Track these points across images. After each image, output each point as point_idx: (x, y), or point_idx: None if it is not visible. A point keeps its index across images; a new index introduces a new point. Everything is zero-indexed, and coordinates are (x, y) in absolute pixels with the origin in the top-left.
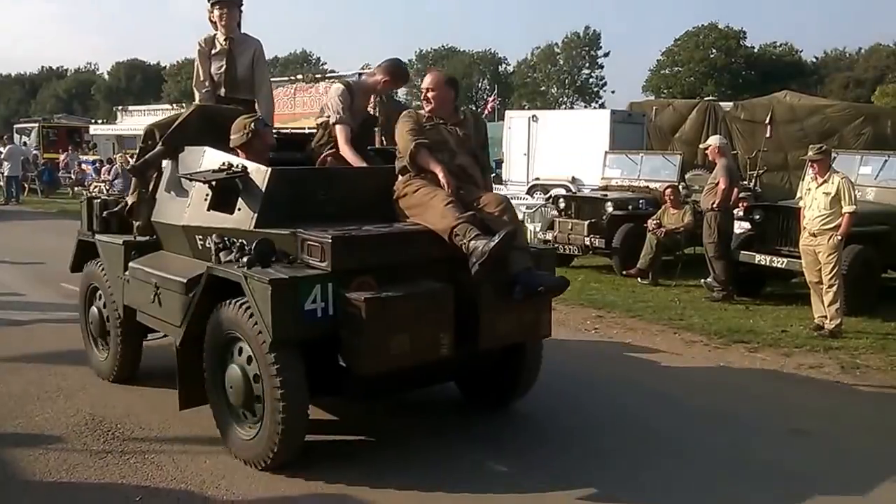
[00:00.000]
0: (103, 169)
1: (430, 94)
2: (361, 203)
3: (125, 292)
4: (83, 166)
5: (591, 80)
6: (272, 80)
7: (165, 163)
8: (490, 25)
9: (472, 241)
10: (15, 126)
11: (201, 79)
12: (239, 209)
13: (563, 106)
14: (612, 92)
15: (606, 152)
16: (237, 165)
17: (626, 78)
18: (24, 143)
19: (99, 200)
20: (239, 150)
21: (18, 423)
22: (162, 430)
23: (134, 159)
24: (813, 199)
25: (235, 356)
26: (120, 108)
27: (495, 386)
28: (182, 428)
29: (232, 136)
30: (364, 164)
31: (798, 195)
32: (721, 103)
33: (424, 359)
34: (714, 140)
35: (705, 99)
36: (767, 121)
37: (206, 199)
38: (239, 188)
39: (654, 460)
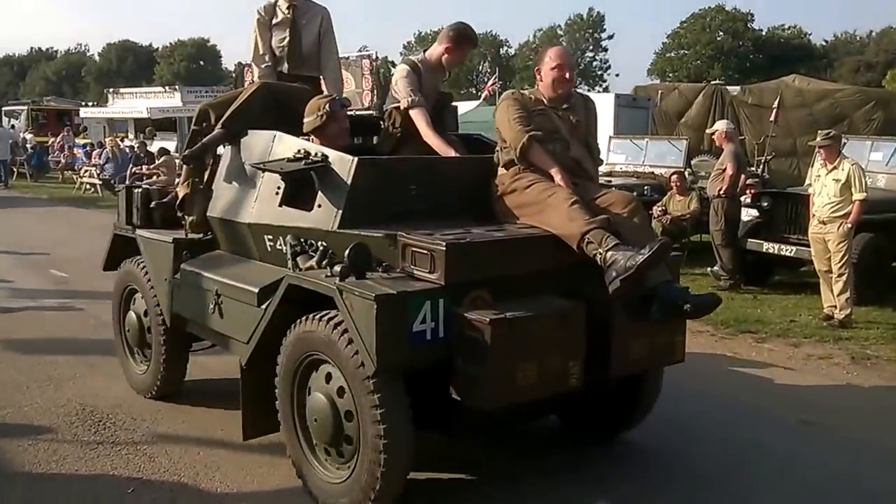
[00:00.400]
0: (94, 153)
1: (554, 73)
2: (454, 199)
3: (174, 298)
4: (74, 150)
5: (594, 63)
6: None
7: (222, 149)
8: (491, 7)
9: (611, 252)
10: (3, 109)
11: (260, 52)
12: (319, 206)
13: None
14: (617, 75)
15: (611, 137)
16: (316, 153)
17: (631, 61)
18: (13, 126)
19: (140, 190)
20: (312, 136)
21: (6, 413)
22: (154, 421)
23: (185, 143)
24: (822, 186)
25: (320, 383)
26: (111, 90)
27: (605, 416)
28: (175, 419)
29: (305, 120)
30: (453, 153)
31: (807, 182)
32: (728, 87)
33: (552, 391)
34: (721, 125)
35: (712, 83)
36: (774, 105)
37: (277, 193)
38: (317, 181)
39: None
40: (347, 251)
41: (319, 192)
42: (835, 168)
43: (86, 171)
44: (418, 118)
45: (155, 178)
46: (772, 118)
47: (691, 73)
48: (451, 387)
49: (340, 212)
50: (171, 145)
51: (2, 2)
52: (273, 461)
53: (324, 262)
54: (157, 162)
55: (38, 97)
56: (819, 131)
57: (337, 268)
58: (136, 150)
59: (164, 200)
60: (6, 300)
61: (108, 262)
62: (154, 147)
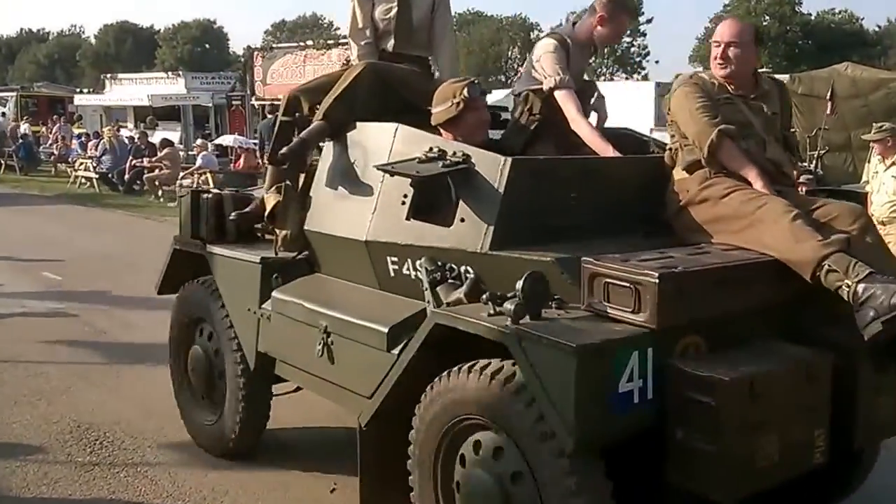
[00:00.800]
0: (90, 144)
1: (729, 52)
2: (620, 209)
3: (261, 334)
4: (70, 142)
5: (632, 49)
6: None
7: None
8: None
9: (864, 284)
10: None
11: (359, 26)
12: (461, 220)
13: (603, 78)
14: (657, 62)
15: (651, 129)
16: (454, 152)
17: (672, 47)
18: (3, 115)
19: (211, 196)
20: (442, 129)
21: None
22: (157, 440)
23: (271, 140)
24: (881, 184)
25: (481, 457)
26: (108, 75)
27: (816, 484)
28: (180, 437)
29: (435, 109)
30: (612, 151)
31: (864, 179)
32: (776, 76)
33: (795, 471)
34: None
35: (759, 71)
36: (828, 96)
37: (403, 203)
38: (456, 187)
39: None
40: (522, 283)
41: (461, 202)
42: (893, 164)
43: (81, 163)
44: (567, 103)
45: (157, 171)
46: (828, 111)
47: None
48: (666, 467)
49: (491, 228)
50: (174, 136)
51: None
52: (286, 485)
53: (484, 297)
54: (159, 154)
55: (28, 83)
56: (874, 124)
57: (508, 305)
58: (136, 141)
59: (247, 210)
60: None
61: (164, 283)
62: (156, 138)
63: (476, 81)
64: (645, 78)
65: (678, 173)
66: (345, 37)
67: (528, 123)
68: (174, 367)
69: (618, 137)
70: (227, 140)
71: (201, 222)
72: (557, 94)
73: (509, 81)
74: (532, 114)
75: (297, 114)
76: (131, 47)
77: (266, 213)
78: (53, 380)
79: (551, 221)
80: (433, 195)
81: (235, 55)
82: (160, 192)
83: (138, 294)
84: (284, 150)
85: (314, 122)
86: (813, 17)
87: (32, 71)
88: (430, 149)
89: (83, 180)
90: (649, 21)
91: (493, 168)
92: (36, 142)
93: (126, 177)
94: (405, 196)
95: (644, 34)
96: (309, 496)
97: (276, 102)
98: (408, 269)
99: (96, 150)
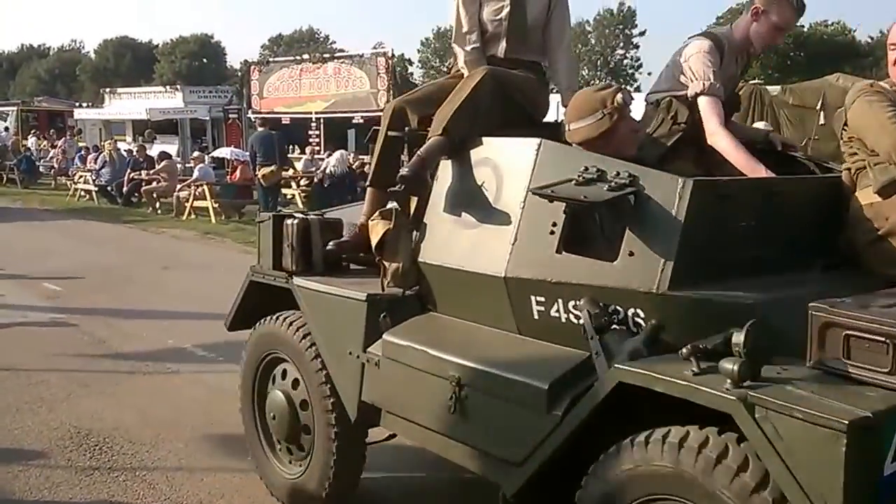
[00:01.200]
0: (89, 157)
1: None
2: (794, 238)
3: (367, 381)
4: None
5: (625, 61)
6: (275, 59)
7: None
8: None
9: None
10: None
11: (465, 29)
12: (630, 253)
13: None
14: (649, 74)
15: None
16: (619, 172)
17: (665, 59)
18: (6, 129)
19: (297, 221)
20: (585, 144)
21: None
22: (155, 445)
23: (374, 160)
24: None
25: None
26: (107, 90)
27: None
28: (177, 443)
29: (580, 123)
30: (763, 172)
31: None
32: (768, 87)
33: None
34: (760, 127)
35: (750, 82)
36: (819, 107)
37: (552, 233)
38: (621, 213)
39: None
40: (743, 335)
41: (628, 232)
42: None
43: (80, 177)
44: (710, 112)
45: (155, 183)
46: (822, 121)
47: None
48: None
49: (670, 263)
50: (172, 149)
51: None
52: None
53: (684, 351)
54: (157, 167)
55: (28, 97)
56: None
57: (728, 364)
58: (134, 154)
59: (346, 240)
60: None
61: (236, 318)
62: (154, 151)
63: (624, 87)
64: (638, 89)
65: (866, 196)
66: (341, 50)
67: (669, 134)
68: (246, 411)
69: (760, 154)
70: (223, 153)
71: (285, 251)
72: (701, 100)
73: None
74: (676, 123)
75: (405, 128)
76: (130, 62)
77: (375, 243)
78: (54, 387)
79: (727, 254)
80: (588, 223)
81: (233, 69)
82: (158, 204)
83: (136, 304)
84: (406, 172)
85: (431, 136)
86: (805, 29)
87: (33, 86)
88: (586, 168)
89: (83, 193)
90: (642, 33)
91: (670, 191)
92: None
93: (124, 189)
94: (554, 224)
95: (637, 46)
96: None
97: (269, 116)
98: (557, 310)
99: (95, 163)
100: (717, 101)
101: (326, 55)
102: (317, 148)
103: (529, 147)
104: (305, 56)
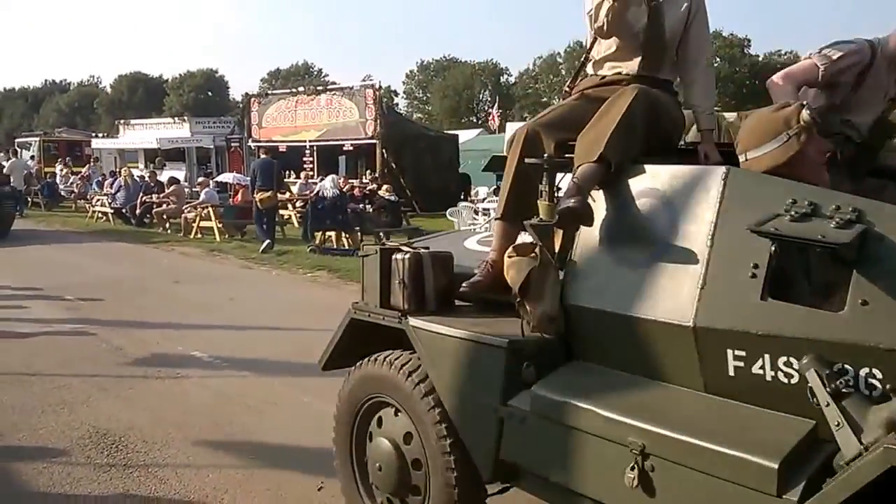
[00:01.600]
0: (106, 182)
1: None
2: None
3: (507, 439)
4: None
5: None
6: (273, 92)
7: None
8: (491, 35)
9: None
10: (16, 140)
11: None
12: (862, 302)
13: None
14: None
15: None
16: (840, 206)
17: None
18: (32, 157)
19: (408, 255)
20: (770, 174)
21: (22, 437)
22: (165, 444)
23: (506, 190)
24: None
25: None
26: (122, 121)
27: None
28: (186, 442)
29: (759, 150)
30: None
31: None
32: (725, 114)
33: None
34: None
35: None
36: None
37: (754, 276)
38: (846, 254)
39: None
40: None
41: (857, 277)
42: None
43: (98, 200)
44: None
45: (165, 206)
46: None
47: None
48: None
49: None
50: (180, 174)
51: (16, 36)
52: (279, 484)
53: None
54: (167, 190)
55: (50, 129)
56: None
57: None
58: (146, 179)
59: (479, 279)
60: (21, 326)
61: (331, 357)
62: (164, 176)
63: (811, 104)
64: None
65: None
66: (333, 83)
67: (787, 147)
68: (342, 455)
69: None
70: (227, 177)
71: (395, 288)
72: (804, 115)
73: (480, 122)
74: (798, 139)
75: (545, 154)
76: (142, 95)
77: (518, 284)
78: (75, 391)
79: None
80: (791, 265)
81: (235, 101)
82: (167, 225)
83: (150, 314)
84: (574, 204)
85: (582, 163)
86: (761, 59)
87: (55, 118)
88: (794, 201)
89: (100, 215)
90: None
91: None
92: (55, 182)
93: (137, 211)
94: (756, 266)
95: None
96: (299, 493)
97: (268, 144)
98: (762, 367)
99: (111, 187)
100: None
101: (319, 87)
102: (311, 173)
103: (713, 176)
104: (301, 88)
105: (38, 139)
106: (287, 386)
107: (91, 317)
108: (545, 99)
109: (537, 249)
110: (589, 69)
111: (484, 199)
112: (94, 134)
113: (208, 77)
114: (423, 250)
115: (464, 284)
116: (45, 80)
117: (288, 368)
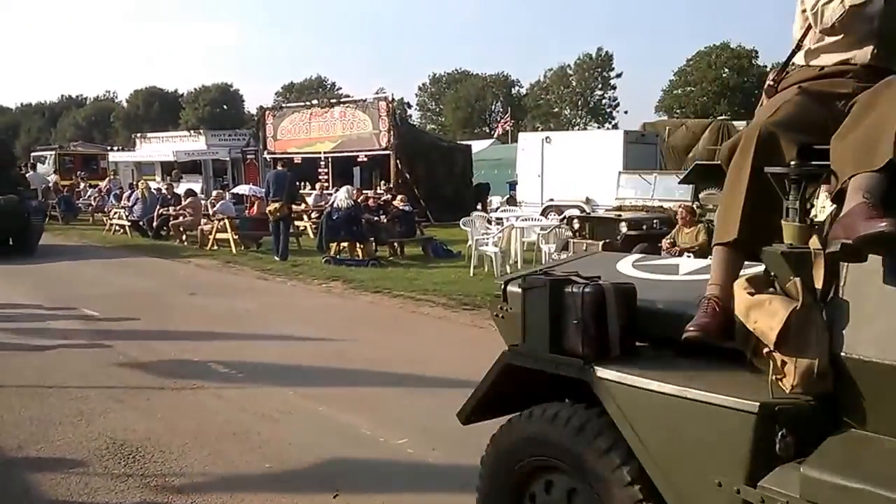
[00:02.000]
0: (123, 195)
1: None
2: None
3: None
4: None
5: (603, 100)
6: (287, 105)
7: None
8: (502, 48)
9: None
10: (31, 154)
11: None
12: None
13: (577, 127)
14: (625, 112)
15: (620, 172)
16: None
17: (639, 98)
18: (55, 171)
19: (588, 289)
20: None
21: (40, 448)
22: (182, 454)
23: (740, 206)
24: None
25: None
26: (138, 135)
27: None
28: (201, 451)
29: None
30: None
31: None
32: (734, 122)
33: None
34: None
35: (718, 119)
36: None
37: None
38: None
39: None
40: None
41: None
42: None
43: (115, 213)
44: None
45: (182, 218)
46: None
47: (698, 110)
48: None
49: None
50: (196, 187)
51: (33, 52)
52: (296, 494)
53: None
54: (183, 203)
55: (67, 142)
56: None
57: None
58: (163, 192)
59: (705, 321)
60: (38, 338)
61: (477, 407)
62: (181, 189)
63: None
64: (615, 127)
65: None
66: (346, 96)
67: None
68: None
69: None
70: (242, 189)
71: (570, 329)
72: None
73: (492, 133)
74: None
75: (792, 162)
76: (158, 109)
77: (777, 332)
78: (92, 402)
79: None
80: None
81: (250, 114)
82: (184, 237)
83: (165, 326)
84: (886, 229)
85: (860, 172)
86: (768, 69)
87: (72, 132)
88: None
89: (117, 228)
90: (619, 76)
91: None
92: (75, 195)
93: (154, 224)
94: None
95: (614, 87)
96: (314, 501)
97: (283, 156)
98: None
99: (129, 200)
100: None
101: (333, 100)
102: (326, 184)
103: None
104: (314, 101)
105: (53, 152)
106: (302, 396)
107: (108, 329)
108: (556, 109)
109: (796, 285)
110: (799, 59)
111: (497, 209)
112: (110, 147)
113: (223, 91)
114: (603, 282)
115: (689, 327)
116: (62, 95)
117: (303, 378)
